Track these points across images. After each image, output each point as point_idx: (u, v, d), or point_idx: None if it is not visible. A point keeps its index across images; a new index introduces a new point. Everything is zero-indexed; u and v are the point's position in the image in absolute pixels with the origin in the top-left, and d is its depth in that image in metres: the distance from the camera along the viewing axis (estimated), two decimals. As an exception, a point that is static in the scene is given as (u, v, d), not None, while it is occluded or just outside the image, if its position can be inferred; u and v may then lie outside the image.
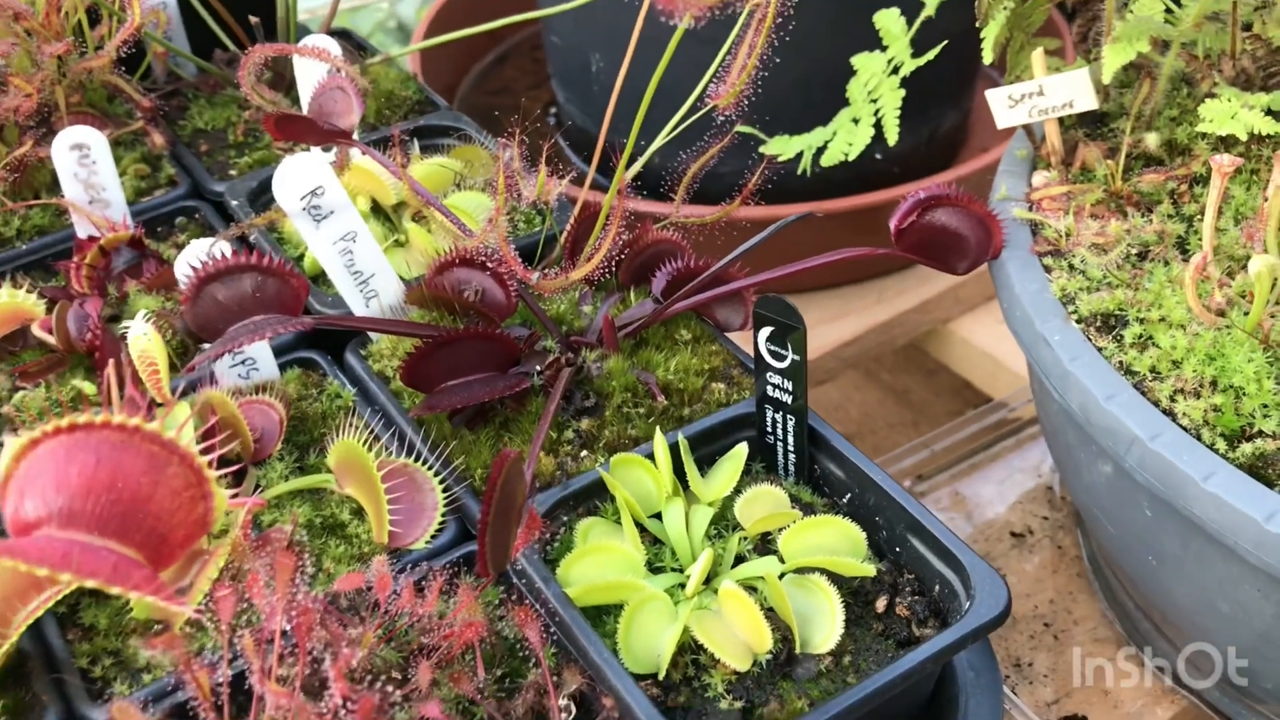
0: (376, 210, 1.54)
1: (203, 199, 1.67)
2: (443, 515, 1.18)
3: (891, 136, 1.50)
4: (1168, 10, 1.30)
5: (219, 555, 1.04)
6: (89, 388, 1.29)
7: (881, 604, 1.11)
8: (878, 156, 1.98)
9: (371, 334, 1.39)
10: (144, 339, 1.24)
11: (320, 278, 1.45)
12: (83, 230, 1.54)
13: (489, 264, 1.30)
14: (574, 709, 1.04)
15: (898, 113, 1.52)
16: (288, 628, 0.95)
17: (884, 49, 1.56)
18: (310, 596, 0.96)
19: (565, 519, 1.16)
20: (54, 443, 0.90)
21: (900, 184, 2.00)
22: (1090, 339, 1.17)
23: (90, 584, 0.83)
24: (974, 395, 2.40)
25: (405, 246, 1.50)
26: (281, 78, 1.81)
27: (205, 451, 1.11)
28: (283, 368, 1.37)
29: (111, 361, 1.23)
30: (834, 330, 1.98)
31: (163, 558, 0.93)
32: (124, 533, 0.91)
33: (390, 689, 0.96)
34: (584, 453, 1.25)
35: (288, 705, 0.92)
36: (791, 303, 1.13)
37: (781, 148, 1.67)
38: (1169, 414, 1.10)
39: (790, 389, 1.18)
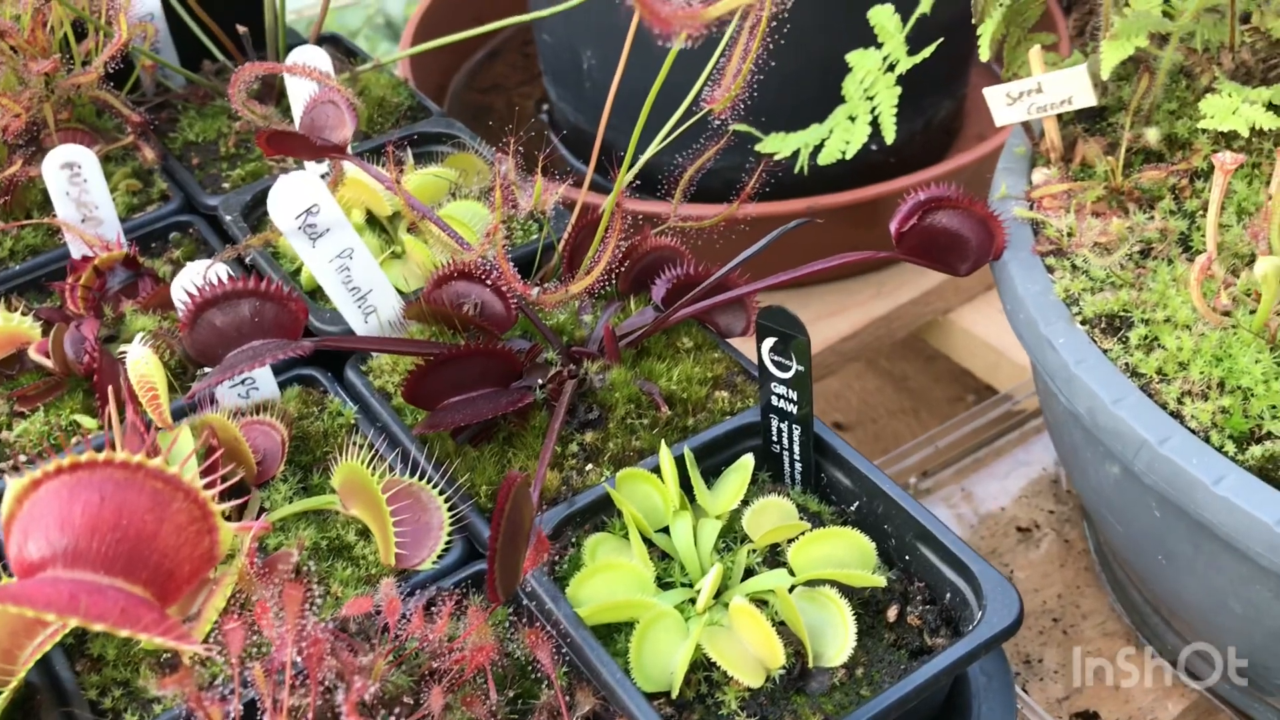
0: (372, 222, 1.53)
1: (196, 213, 1.65)
2: (449, 534, 1.18)
3: (889, 134, 1.49)
4: (1165, 1, 1.29)
5: (226, 584, 1.03)
6: (89, 422, 1.28)
7: (893, 613, 1.11)
8: (873, 148, 1.97)
9: (371, 349, 1.39)
10: (143, 363, 1.23)
11: (317, 292, 1.44)
12: (76, 249, 1.53)
13: (488, 277, 1.29)
14: (588, 730, 1.03)
15: (894, 110, 1.51)
16: (299, 659, 0.94)
17: (877, 44, 1.55)
18: (319, 626, 0.96)
19: (572, 536, 1.16)
20: (56, 482, 0.89)
21: (897, 174, 1.99)
22: (1095, 341, 1.17)
23: (99, 627, 0.82)
24: (973, 381, 2.40)
25: (402, 259, 1.49)
26: (271, 87, 1.80)
27: (207, 474, 1.10)
28: (283, 385, 1.36)
29: (110, 388, 1.23)
30: (833, 325, 1.98)
31: (170, 594, 0.92)
32: (130, 571, 0.90)
33: (403, 718, 0.96)
34: (589, 466, 1.24)
35: (301, 738, 0.91)
36: (794, 313, 1.12)
37: (777, 146, 1.65)
38: (1177, 416, 1.09)
39: (795, 398, 1.17)
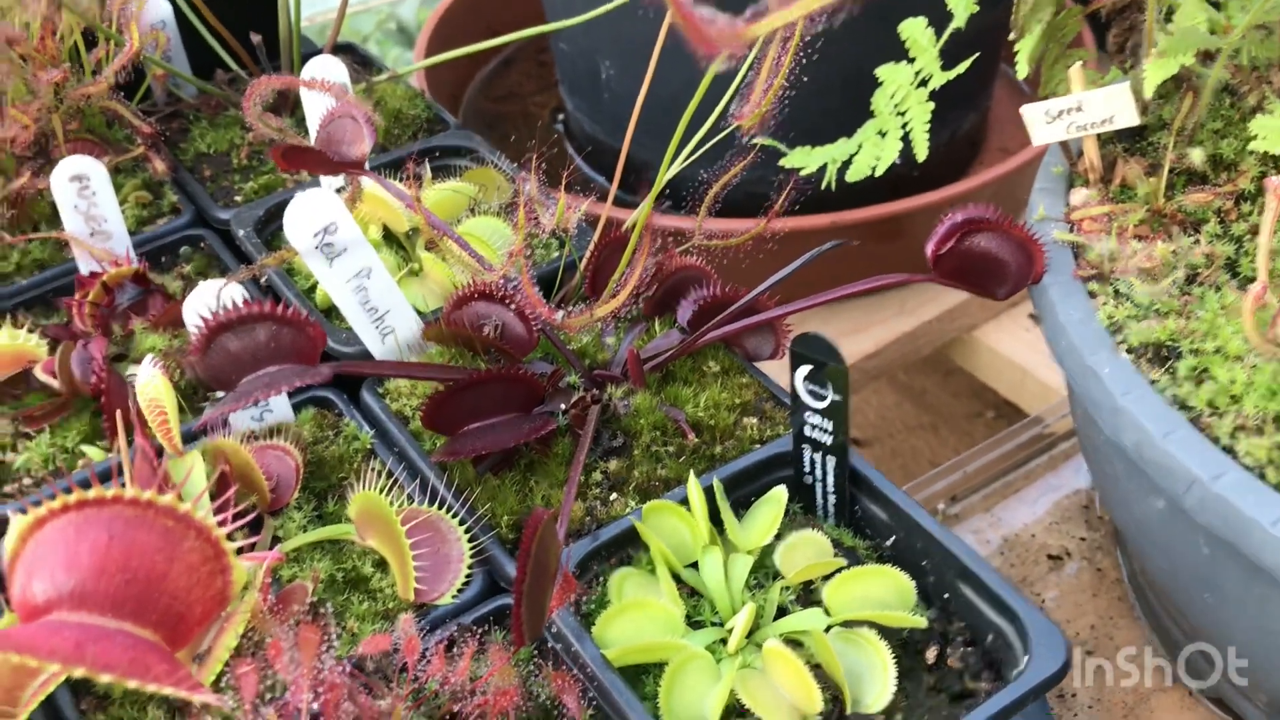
0: (388, 238, 1.49)
1: (207, 226, 1.61)
2: (469, 567, 1.13)
3: (921, 152, 1.45)
4: (1214, 6, 1.24)
5: (238, 620, 0.99)
6: (94, 453, 1.24)
7: (932, 655, 1.07)
8: (897, 160, 1.93)
9: (388, 371, 1.34)
10: (152, 385, 1.19)
11: (333, 311, 1.40)
12: (84, 264, 1.49)
13: (509, 299, 1.25)
14: (615, 777, 0.99)
15: (927, 126, 1.46)
16: (315, 706, 0.90)
17: (907, 56, 1.50)
18: (335, 669, 0.91)
19: (597, 570, 1.11)
20: (63, 520, 0.85)
21: (919, 187, 1.94)
22: (1142, 371, 1.12)
23: (105, 678, 0.78)
24: (993, 396, 2.35)
25: (420, 276, 1.45)
26: (286, 96, 1.76)
27: (219, 510, 1.06)
28: (298, 407, 1.32)
29: (119, 411, 1.19)
30: (857, 342, 1.93)
31: (180, 636, 0.88)
32: (139, 613, 0.86)
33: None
34: (613, 495, 1.20)
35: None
36: (830, 340, 1.08)
37: (804, 161, 1.61)
38: (1230, 452, 1.04)
39: (830, 429, 1.13)
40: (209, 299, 1.19)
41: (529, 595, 0.92)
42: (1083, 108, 1.28)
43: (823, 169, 1.58)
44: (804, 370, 1.11)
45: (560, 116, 2.38)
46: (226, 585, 0.90)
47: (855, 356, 1.92)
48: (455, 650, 1.01)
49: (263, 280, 1.47)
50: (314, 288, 1.45)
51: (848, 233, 1.84)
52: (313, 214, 1.19)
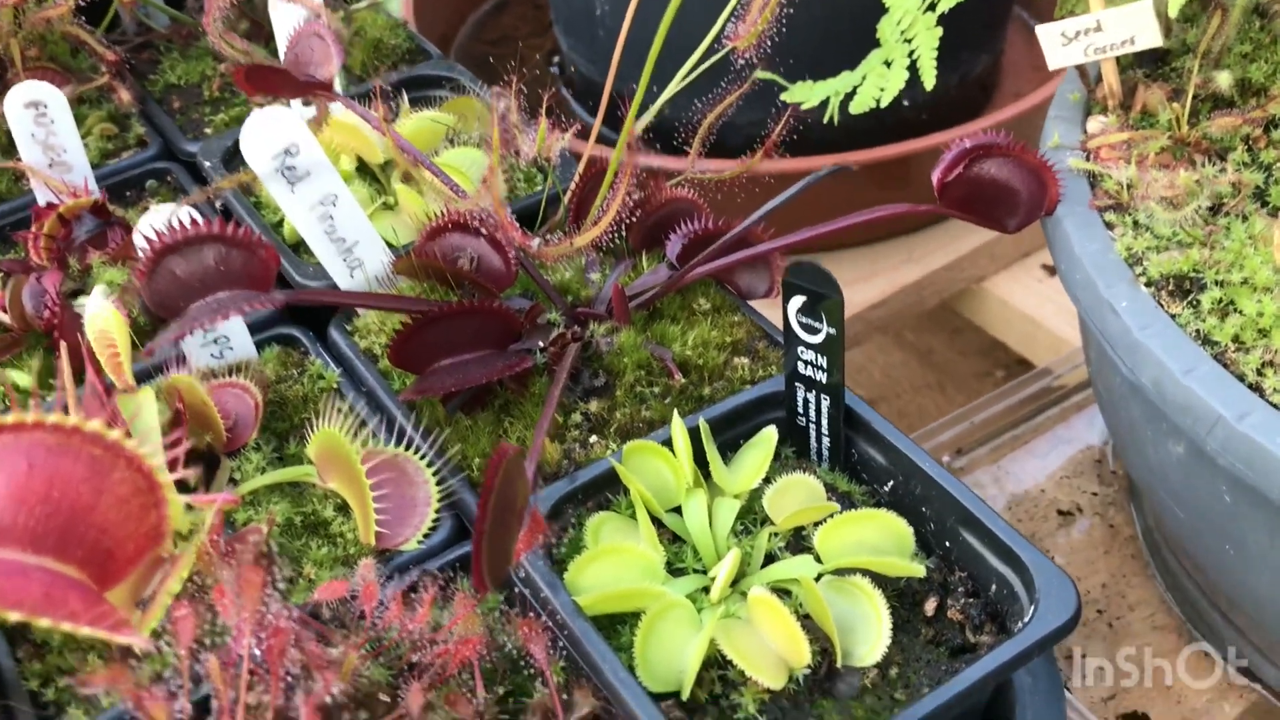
0: (363, 170, 1.41)
1: (175, 160, 1.53)
2: (437, 511, 1.06)
3: (929, 80, 1.36)
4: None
5: (182, 565, 0.91)
6: (22, 378, 1.16)
7: (931, 606, 0.99)
8: (905, 103, 1.85)
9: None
10: (103, 317, 1.11)
11: (301, 246, 1.32)
12: (42, 197, 1.41)
13: (484, 229, 1.17)
14: (586, 733, 0.92)
15: (935, 54, 1.38)
16: (259, 651, 0.83)
17: (916, -17, 1.41)
18: (282, 614, 0.84)
19: (573, 515, 1.04)
20: (-21, 447, 0.78)
21: (929, 131, 1.86)
22: (1162, 305, 1.04)
23: (15, 616, 0.71)
24: (1003, 354, 2.27)
25: (394, 210, 1.37)
26: (260, 28, 1.67)
27: (170, 447, 0.98)
28: (261, 345, 1.25)
29: (67, 346, 1.11)
30: (861, 291, 1.85)
31: (109, 575, 0.81)
32: (62, 549, 0.79)
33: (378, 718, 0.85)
34: (593, 438, 1.12)
35: (258, 741, 0.80)
36: (826, 269, 1.00)
37: (804, 95, 1.52)
38: (1257, 389, 0.96)
39: (824, 365, 1.05)
40: (159, 223, 1.12)
41: (491, 535, 0.84)
42: (1102, 28, 1.20)
43: (823, 107, 1.49)
44: (798, 302, 1.03)
45: (556, 59, 2.30)
46: (161, 520, 0.82)
47: (859, 306, 1.84)
48: (417, 598, 0.94)
49: (231, 215, 1.39)
50: (281, 222, 1.37)
51: (852, 174, 1.76)
52: (271, 133, 1.12)
